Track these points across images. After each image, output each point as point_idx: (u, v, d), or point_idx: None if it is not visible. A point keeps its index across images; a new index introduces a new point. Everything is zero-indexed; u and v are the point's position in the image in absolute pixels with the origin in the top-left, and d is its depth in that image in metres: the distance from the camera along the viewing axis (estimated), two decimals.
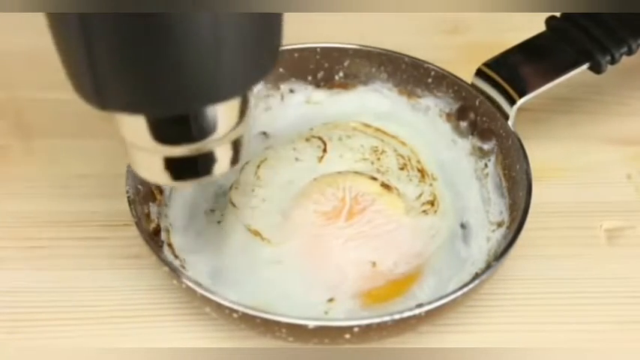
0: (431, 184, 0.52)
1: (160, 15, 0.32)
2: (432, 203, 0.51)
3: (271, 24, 0.36)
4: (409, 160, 0.53)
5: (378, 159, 0.52)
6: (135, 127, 0.38)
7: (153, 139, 0.38)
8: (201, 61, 0.33)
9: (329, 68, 0.57)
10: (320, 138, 0.53)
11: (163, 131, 0.38)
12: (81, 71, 0.34)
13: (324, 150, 0.53)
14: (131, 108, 0.36)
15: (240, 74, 0.36)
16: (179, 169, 0.40)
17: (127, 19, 0.32)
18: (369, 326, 0.43)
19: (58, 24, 0.33)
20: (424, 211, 0.50)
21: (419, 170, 0.53)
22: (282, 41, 0.37)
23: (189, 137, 0.38)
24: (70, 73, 0.35)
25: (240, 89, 0.37)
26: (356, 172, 0.51)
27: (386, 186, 0.50)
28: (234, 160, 0.41)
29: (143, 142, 0.38)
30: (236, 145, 0.40)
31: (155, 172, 0.40)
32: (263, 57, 0.36)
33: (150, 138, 0.38)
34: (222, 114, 0.38)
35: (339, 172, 0.51)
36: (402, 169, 0.52)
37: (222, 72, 0.34)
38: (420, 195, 0.51)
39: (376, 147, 0.53)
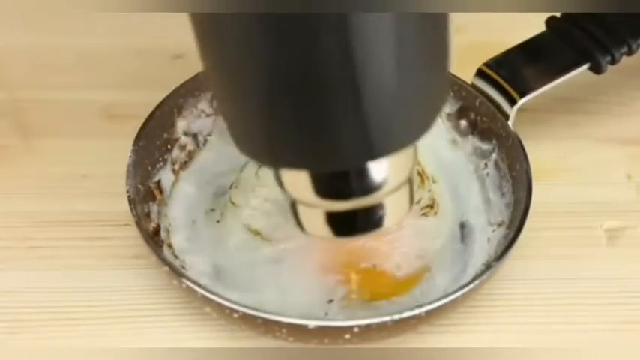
0: (430, 190, 0.52)
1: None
2: (431, 207, 0.51)
3: (441, 63, 0.35)
4: None
5: None
6: (303, 182, 0.37)
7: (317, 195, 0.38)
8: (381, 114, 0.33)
9: None
10: None
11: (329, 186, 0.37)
12: (254, 133, 0.35)
13: None
14: (302, 165, 0.36)
15: (414, 124, 0.35)
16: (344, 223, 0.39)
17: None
18: (369, 326, 0.43)
19: (236, 93, 0.34)
20: (424, 214, 0.50)
21: (419, 173, 0.52)
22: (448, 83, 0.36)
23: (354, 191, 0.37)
24: (237, 134, 0.36)
25: (413, 138, 0.35)
26: None
27: None
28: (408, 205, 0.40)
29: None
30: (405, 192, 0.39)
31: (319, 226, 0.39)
32: (433, 101, 0.36)
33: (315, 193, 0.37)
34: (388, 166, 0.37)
35: None
36: None
37: (399, 123, 0.34)
38: (419, 201, 0.51)
39: None
